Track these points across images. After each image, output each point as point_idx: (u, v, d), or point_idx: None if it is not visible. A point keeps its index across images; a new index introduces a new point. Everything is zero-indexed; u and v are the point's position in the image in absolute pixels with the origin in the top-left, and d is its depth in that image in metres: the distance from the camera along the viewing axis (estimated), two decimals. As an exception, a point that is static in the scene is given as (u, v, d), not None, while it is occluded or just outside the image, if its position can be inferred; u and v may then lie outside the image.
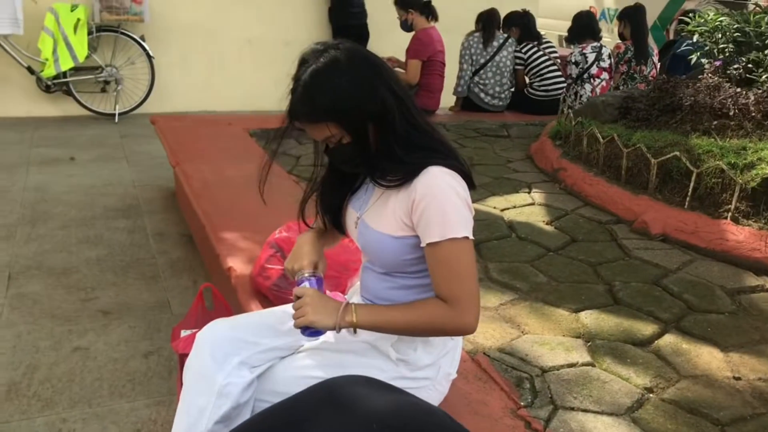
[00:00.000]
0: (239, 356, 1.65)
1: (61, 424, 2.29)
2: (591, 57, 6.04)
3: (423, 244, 1.56)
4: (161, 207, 4.37)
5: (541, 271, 2.97)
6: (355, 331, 1.59)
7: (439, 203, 1.51)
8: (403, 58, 5.95)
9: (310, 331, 1.58)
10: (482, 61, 6.17)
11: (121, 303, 3.12)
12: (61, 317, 2.97)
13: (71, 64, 6.27)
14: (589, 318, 2.57)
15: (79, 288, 3.24)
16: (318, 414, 1.32)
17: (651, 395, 2.12)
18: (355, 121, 1.52)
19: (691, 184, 3.39)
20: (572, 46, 6.44)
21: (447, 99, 6.33)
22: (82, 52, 6.27)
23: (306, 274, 1.67)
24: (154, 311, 3.07)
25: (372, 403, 1.33)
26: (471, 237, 1.55)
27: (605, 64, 6.06)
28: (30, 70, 6.35)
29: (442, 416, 1.34)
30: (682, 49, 5.83)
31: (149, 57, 6.65)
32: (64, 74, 6.39)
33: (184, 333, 2.26)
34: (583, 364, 2.26)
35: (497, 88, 6.23)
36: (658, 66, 6.32)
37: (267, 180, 1.70)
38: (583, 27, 6.21)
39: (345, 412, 1.31)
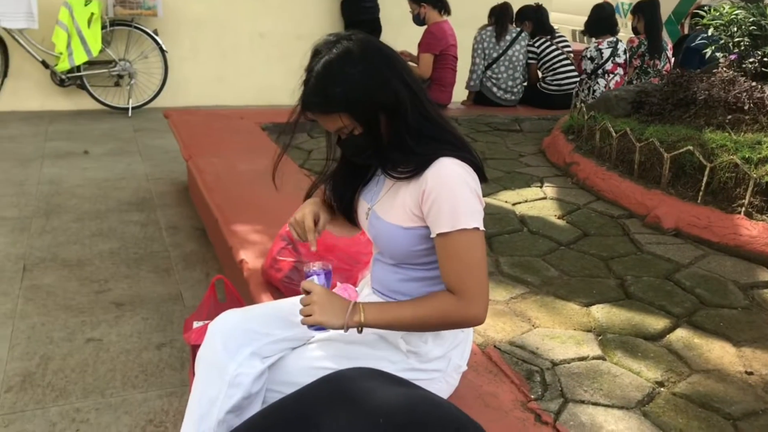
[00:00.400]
0: (251, 347, 1.66)
1: (74, 413, 2.32)
2: (606, 53, 6.01)
3: (433, 235, 1.56)
4: (174, 200, 4.39)
5: (552, 265, 2.96)
6: (360, 331, 1.59)
7: (450, 194, 1.51)
8: (415, 52, 5.95)
9: (317, 326, 1.59)
10: (495, 55, 6.15)
11: (134, 295, 3.15)
12: (74, 309, 2.99)
13: (85, 58, 6.31)
14: (600, 312, 2.56)
15: (93, 280, 3.27)
16: (326, 408, 1.33)
17: (662, 389, 2.12)
18: (367, 112, 1.52)
19: (704, 179, 3.37)
20: (588, 39, 6.40)
21: (459, 93, 6.32)
22: (95, 46, 6.30)
23: (314, 268, 1.67)
24: (166, 303, 3.09)
25: (379, 397, 1.33)
26: (481, 228, 1.55)
27: (620, 60, 6.02)
28: (44, 64, 6.39)
29: (451, 409, 1.34)
30: (697, 42, 5.78)
31: (162, 51, 6.68)
32: (78, 68, 6.42)
33: (196, 324, 2.28)
34: (594, 358, 2.25)
35: (510, 83, 6.21)
36: (672, 60, 6.28)
37: (279, 172, 1.70)
38: (603, 20, 6.17)
39: (353, 406, 1.31)
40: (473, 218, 1.53)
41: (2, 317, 2.88)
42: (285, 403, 1.43)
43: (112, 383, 2.50)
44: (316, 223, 1.75)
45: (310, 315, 1.56)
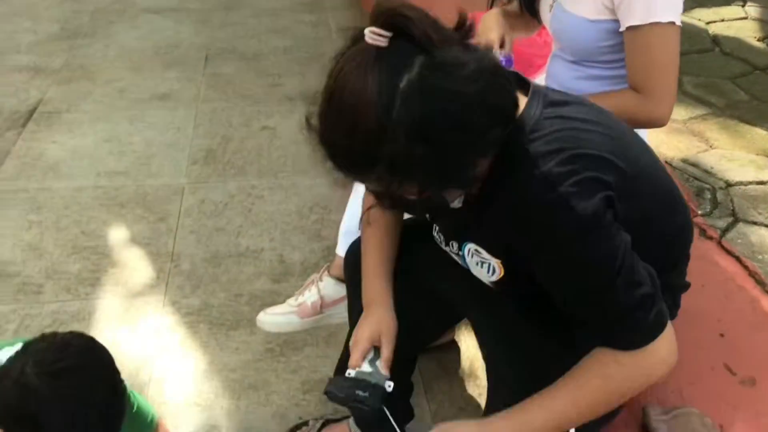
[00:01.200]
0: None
1: (250, 189, 2.52)
2: None
3: (622, 28, 1.45)
4: (344, 3, 4.38)
5: (742, 88, 2.72)
6: None
7: (646, -19, 1.38)
8: None
9: None
10: None
11: (305, 91, 3.25)
12: (250, 98, 3.16)
13: None
14: (791, 140, 2.36)
15: (268, 74, 3.40)
16: None
17: None
18: None
19: None
20: None
21: None
22: None
23: (497, 54, 1.63)
24: (334, 101, 3.18)
25: None
26: (678, 23, 1.42)
27: None
28: None
29: None
30: None
31: None
32: None
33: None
34: (775, 184, 2.11)
35: None
36: None
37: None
38: None
39: None
40: (670, 11, 1.40)
41: (188, 100, 3.10)
42: None
43: (284, 168, 2.67)
44: (502, 45, 1.66)
45: None
